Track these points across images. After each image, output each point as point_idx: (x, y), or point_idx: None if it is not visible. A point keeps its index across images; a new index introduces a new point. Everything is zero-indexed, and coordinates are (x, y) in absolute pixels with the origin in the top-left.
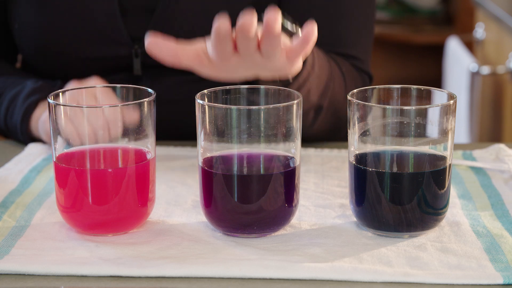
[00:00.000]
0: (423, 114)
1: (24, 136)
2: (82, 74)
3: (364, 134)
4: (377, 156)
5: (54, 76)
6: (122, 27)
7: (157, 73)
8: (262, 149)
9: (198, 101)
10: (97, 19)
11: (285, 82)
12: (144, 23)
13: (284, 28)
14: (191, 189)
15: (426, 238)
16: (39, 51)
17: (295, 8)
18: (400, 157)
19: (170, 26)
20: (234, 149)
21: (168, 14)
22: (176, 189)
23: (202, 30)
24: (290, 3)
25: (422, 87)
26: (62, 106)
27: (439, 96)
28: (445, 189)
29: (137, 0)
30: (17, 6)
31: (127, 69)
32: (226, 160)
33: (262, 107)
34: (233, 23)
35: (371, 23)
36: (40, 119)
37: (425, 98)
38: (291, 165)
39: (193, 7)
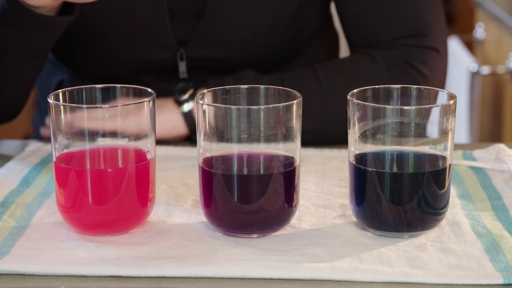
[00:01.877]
0: (423, 114)
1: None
2: (125, 74)
3: (364, 134)
4: (377, 156)
5: (98, 74)
6: (169, 30)
7: (203, 76)
8: (262, 149)
9: (198, 101)
10: (145, 21)
11: None
12: (190, 26)
13: None
14: (191, 189)
15: (426, 238)
16: (85, 49)
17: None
18: (400, 157)
19: (216, 30)
20: (234, 149)
21: (215, 18)
22: (176, 189)
23: (247, 33)
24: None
25: (422, 87)
26: (62, 106)
27: (439, 96)
28: (445, 189)
29: (184, 4)
30: None
31: (172, 71)
32: (226, 160)
33: (262, 107)
34: (277, 31)
35: None
36: None
37: (425, 98)
38: (291, 165)
39: (239, 11)
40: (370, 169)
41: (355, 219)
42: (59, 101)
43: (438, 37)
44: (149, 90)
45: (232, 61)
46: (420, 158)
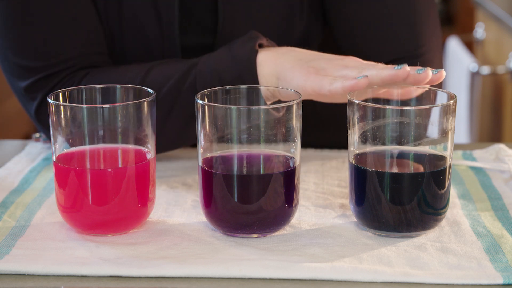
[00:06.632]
0: (423, 114)
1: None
2: None
3: (364, 134)
4: (377, 156)
5: None
6: None
7: None
8: (262, 149)
9: (198, 101)
10: (158, 56)
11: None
12: None
13: None
14: (191, 189)
15: (426, 238)
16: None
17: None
18: (400, 157)
19: None
20: (234, 149)
21: None
22: (176, 189)
23: None
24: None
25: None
26: (62, 106)
27: (439, 96)
28: (445, 189)
29: (195, 39)
30: None
31: None
32: (226, 160)
33: (262, 107)
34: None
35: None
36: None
37: (425, 98)
38: (291, 165)
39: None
40: (370, 169)
41: (355, 219)
42: (59, 101)
43: (431, 57)
44: (149, 90)
45: None
46: (420, 158)
